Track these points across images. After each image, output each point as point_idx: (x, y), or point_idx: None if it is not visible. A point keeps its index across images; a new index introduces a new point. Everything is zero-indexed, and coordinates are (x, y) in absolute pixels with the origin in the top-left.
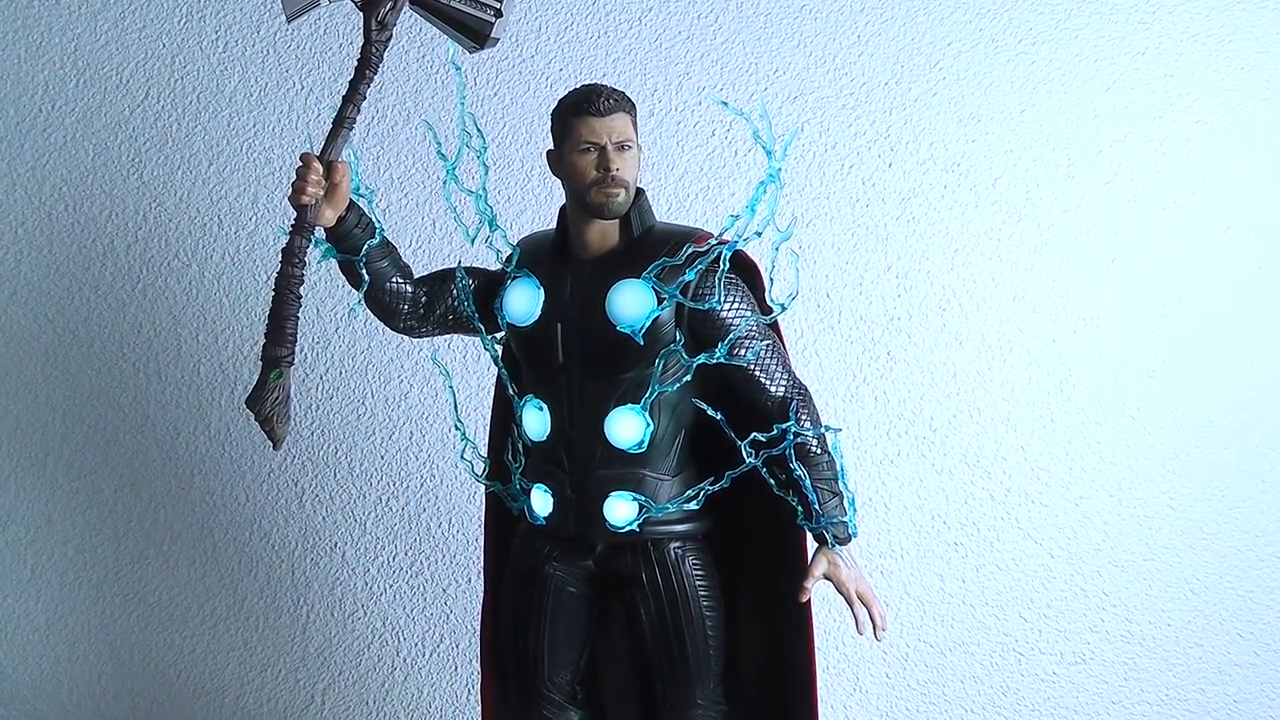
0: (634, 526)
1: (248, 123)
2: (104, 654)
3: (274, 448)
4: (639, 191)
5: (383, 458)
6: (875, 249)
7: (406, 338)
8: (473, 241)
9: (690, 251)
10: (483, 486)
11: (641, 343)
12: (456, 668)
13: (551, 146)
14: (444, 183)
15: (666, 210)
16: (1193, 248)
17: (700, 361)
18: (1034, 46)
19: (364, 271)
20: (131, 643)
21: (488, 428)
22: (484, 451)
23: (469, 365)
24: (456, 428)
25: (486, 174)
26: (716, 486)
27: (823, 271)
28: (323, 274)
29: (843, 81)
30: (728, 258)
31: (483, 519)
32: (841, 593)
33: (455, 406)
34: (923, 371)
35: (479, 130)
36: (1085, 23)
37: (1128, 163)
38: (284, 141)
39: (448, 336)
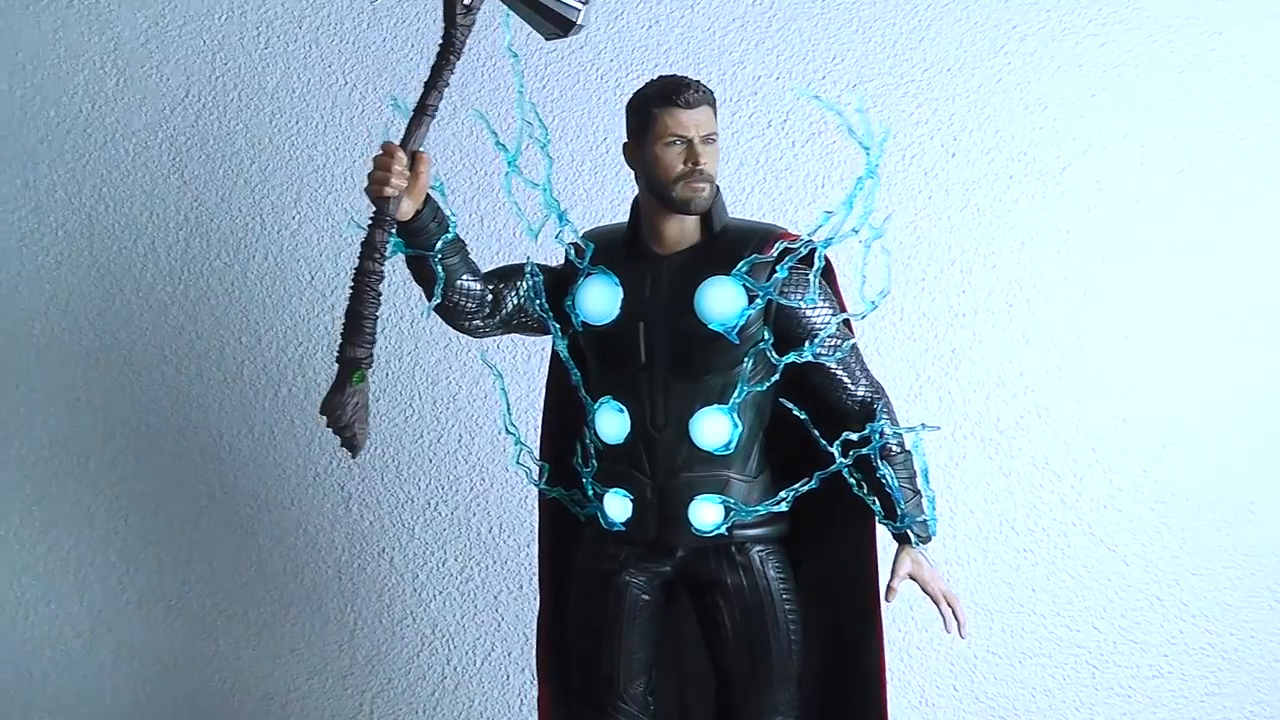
0: (722, 530)
1: (290, 119)
2: (148, 661)
3: (352, 456)
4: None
5: (431, 461)
6: (938, 242)
7: (461, 338)
8: (536, 236)
9: (784, 248)
10: (535, 490)
11: (736, 341)
12: (509, 676)
13: (625, 139)
14: (505, 175)
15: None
16: (1275, 237)
17: (789, 361)
18: (1103, 28)
19: (438, 268)
20: (175, 649)
21: (539, 430)
22: (537, 455)
23: (519, 366)
24: (509, 431)
25: (551, 165)
26: (806, 487)
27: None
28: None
29: (903, 68)
30: (823, 255)
31: (535, 523)
32: (927, 592)
33: (507, 408)
34: (989, 370)
35: (540, 120)
36: (1157, 2)
37: (1205, 148)
38: (328, 138)
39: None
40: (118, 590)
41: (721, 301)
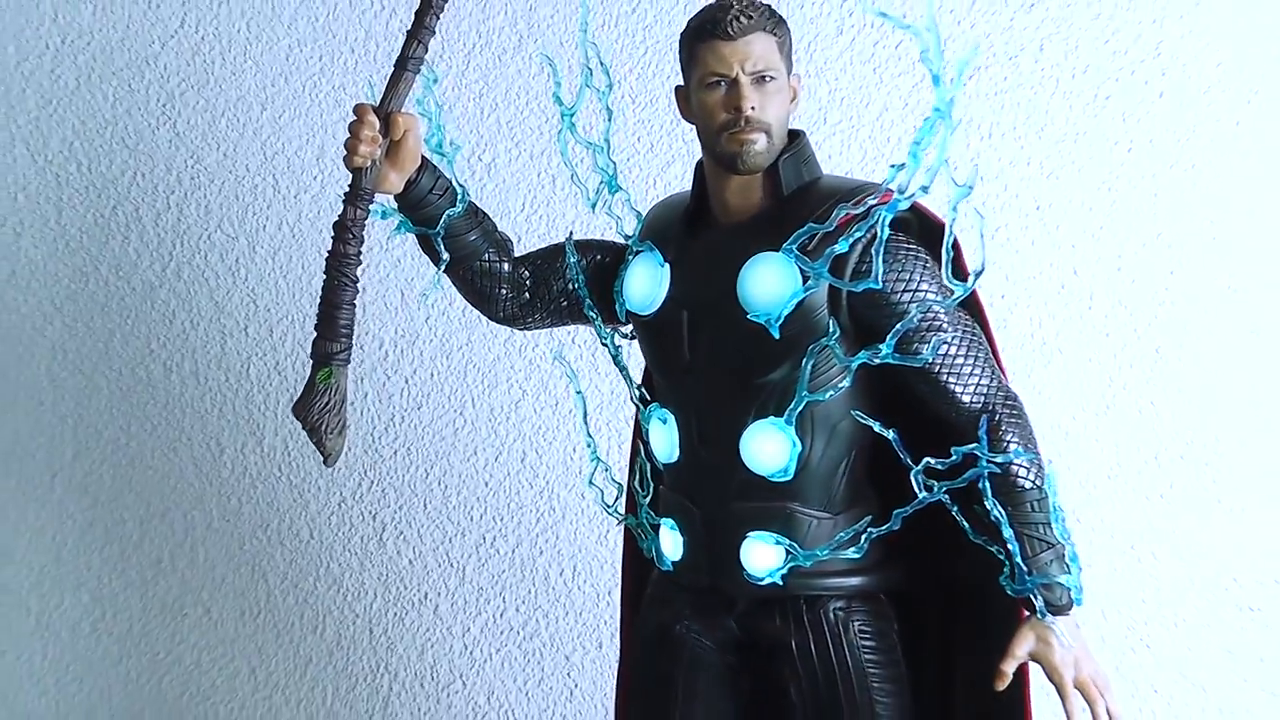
0: (776, 579)
1: (312, 55)
2: None
3: (325, 463)
4: (795, 136)
5: (487, 484)
6: (1139, 209)
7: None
8: (594, 207)
9: (843, 214)
10: (618, 523)
11: (776, 335)
12: None
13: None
14: (559, 133)
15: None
16: None
17: (860, 361)
18: None
19: (442, 247)
20: (164, 714)
21: (628, 446)
22: (620, 477)
23: (600, 365)
24: (587, 444)
25: (610, 121)
26: (882, 530)
27: (1066, 240)
28: (407, 249)
29: None
30: (887, 222)
31: (619, 565)
32: (1053, 679)
33: (585, 417)
34: (1205, 374)
35: (603, 65)
36: None
37: None
38: (358, 79)
39: (574, 327)
40: (91, 640)
41: (764, 284)
